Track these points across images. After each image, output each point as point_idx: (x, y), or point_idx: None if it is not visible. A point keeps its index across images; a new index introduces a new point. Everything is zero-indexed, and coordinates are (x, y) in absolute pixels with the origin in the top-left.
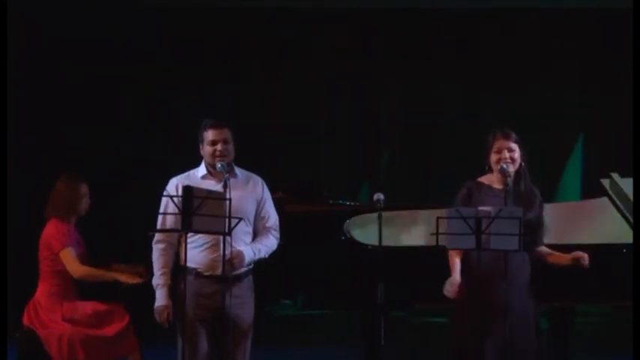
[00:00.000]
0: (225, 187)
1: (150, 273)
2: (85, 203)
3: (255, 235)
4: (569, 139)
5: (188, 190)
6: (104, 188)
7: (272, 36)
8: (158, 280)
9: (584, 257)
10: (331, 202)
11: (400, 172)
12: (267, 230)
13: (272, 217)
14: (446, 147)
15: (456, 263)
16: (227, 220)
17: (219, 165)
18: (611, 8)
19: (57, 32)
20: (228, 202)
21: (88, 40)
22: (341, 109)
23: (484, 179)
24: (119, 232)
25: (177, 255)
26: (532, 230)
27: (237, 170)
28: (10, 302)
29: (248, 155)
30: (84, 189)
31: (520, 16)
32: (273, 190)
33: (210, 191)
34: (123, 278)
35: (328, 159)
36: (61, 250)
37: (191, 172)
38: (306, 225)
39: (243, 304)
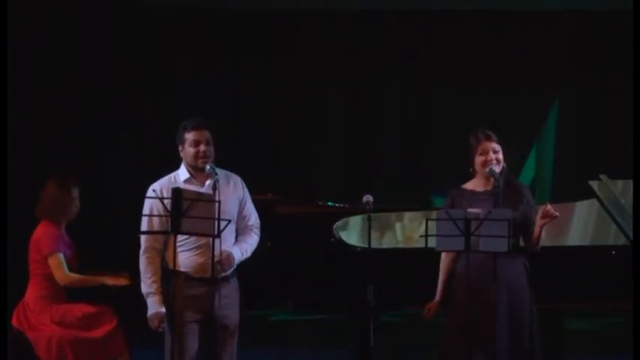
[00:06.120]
0: (214, 188)
1: (135, 276)
2: (75, 207)
3: (238, 234)
4: (568, 139)
5: (177, 192)
6: (98, 190)
7: (272, 36)
8: (149, 288)
9: (547, 209)
10: (320, 203)
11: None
12: (249, 229)
13: (253, 216)
14: (445, 147)
15: (442, 282)
16: (216, 222)
17: (209, 167)
18: (611, 10)
19: (57, 32)
20: (217, 204)
21: (88, 40)
22: (340, 110)
23: (468, 185)
24: (109, 236)
25: (164, 259)
26: (521, 230)
27: (217, 170)
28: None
29: (247, 155)
30: (75, 192)
31: (519, 16)
32: (263, 192)
33: (200, 193)
34: (109, 282)
35: (326, 159)
36: (50, 256)
37: (172, 175)
38: (295, 227)
39: (230, 304)
